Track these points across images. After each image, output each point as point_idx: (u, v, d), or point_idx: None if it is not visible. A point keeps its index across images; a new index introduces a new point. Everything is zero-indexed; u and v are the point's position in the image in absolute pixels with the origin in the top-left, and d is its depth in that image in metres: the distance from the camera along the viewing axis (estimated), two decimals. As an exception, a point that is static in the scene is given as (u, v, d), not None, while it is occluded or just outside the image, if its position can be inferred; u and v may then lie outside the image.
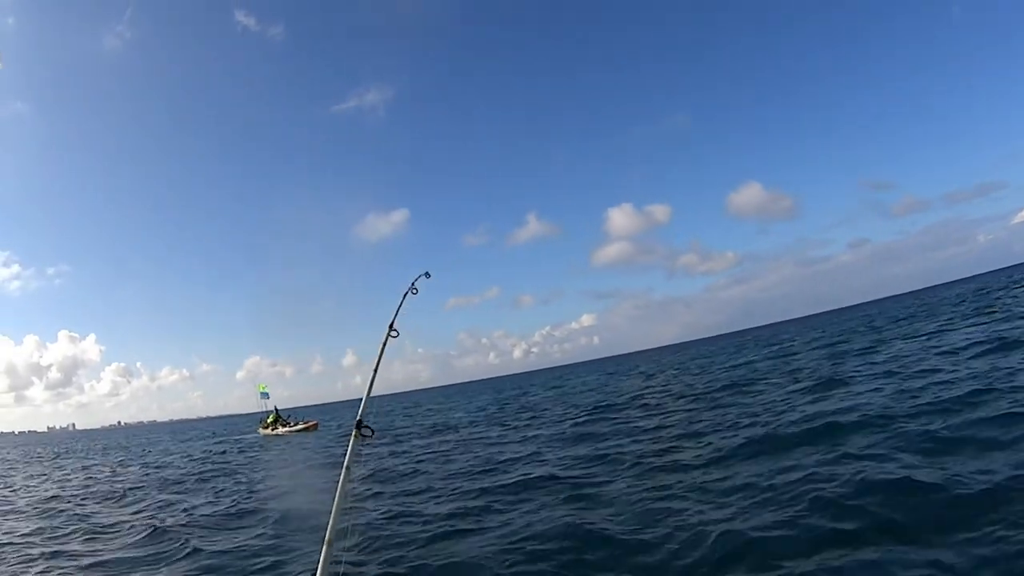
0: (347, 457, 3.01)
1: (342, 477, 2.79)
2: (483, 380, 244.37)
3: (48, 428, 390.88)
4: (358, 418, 3.33)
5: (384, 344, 4.05)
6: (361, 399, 3.71)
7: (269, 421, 37.78)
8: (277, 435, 35.29)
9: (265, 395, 40.32)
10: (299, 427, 35.55)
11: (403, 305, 4.36)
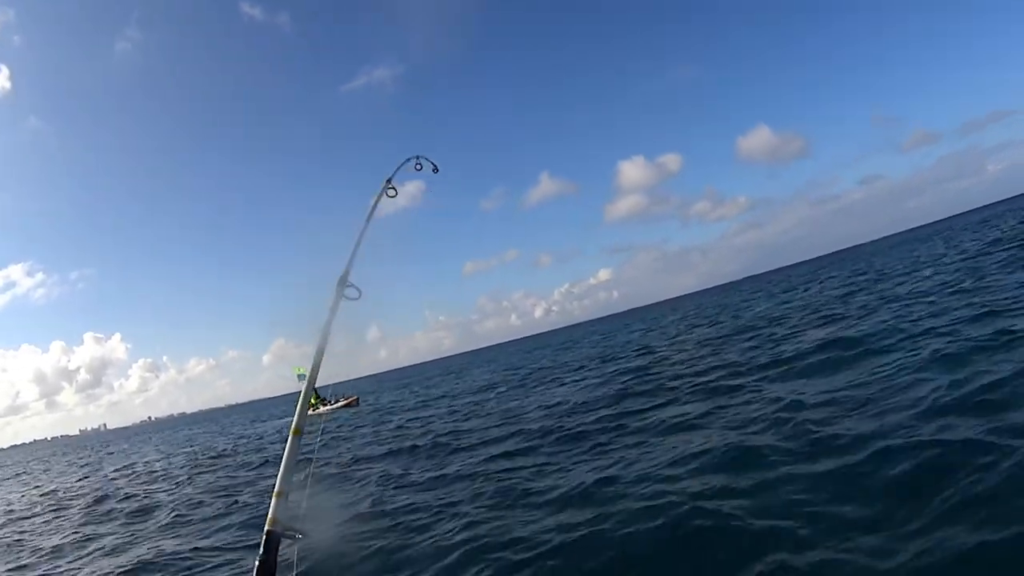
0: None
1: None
2: (508, 343, 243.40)
3: (80, 431, 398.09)
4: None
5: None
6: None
7: (311, 402, 38.06)
8: (319, 414, 35.56)
9: (302, 377, 40.67)
10: (340, 404, 35.72)
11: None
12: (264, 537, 1.99)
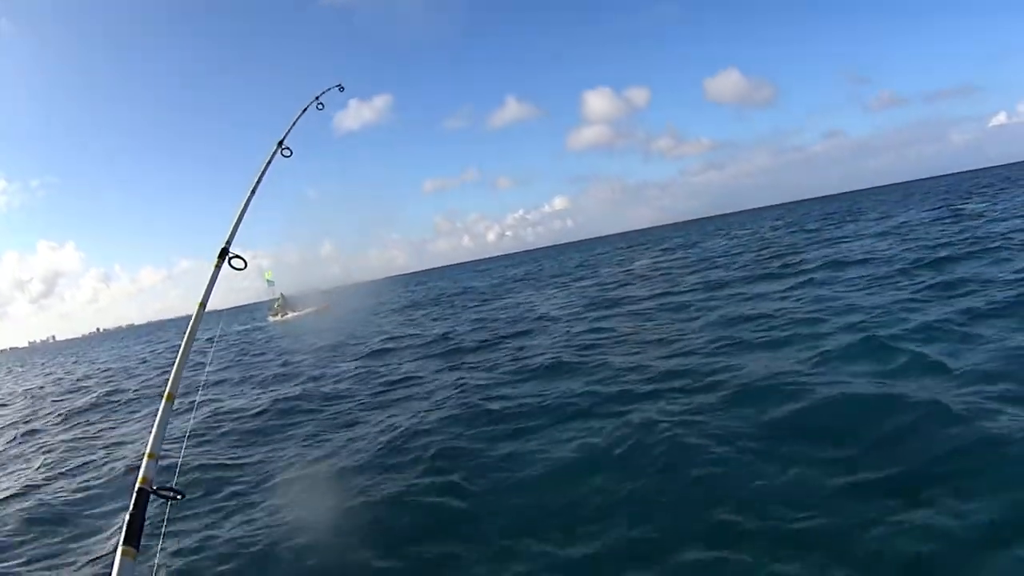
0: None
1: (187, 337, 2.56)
2: (459, 264, 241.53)
3: (29, 343, 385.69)
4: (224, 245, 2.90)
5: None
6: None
7: (277, 307, 37.72)
8: (285, 320, 35.39)
9: (271, 283, 40.02)
10: (310, 310, 35.38)
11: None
12: (134, 495, 2.00)
